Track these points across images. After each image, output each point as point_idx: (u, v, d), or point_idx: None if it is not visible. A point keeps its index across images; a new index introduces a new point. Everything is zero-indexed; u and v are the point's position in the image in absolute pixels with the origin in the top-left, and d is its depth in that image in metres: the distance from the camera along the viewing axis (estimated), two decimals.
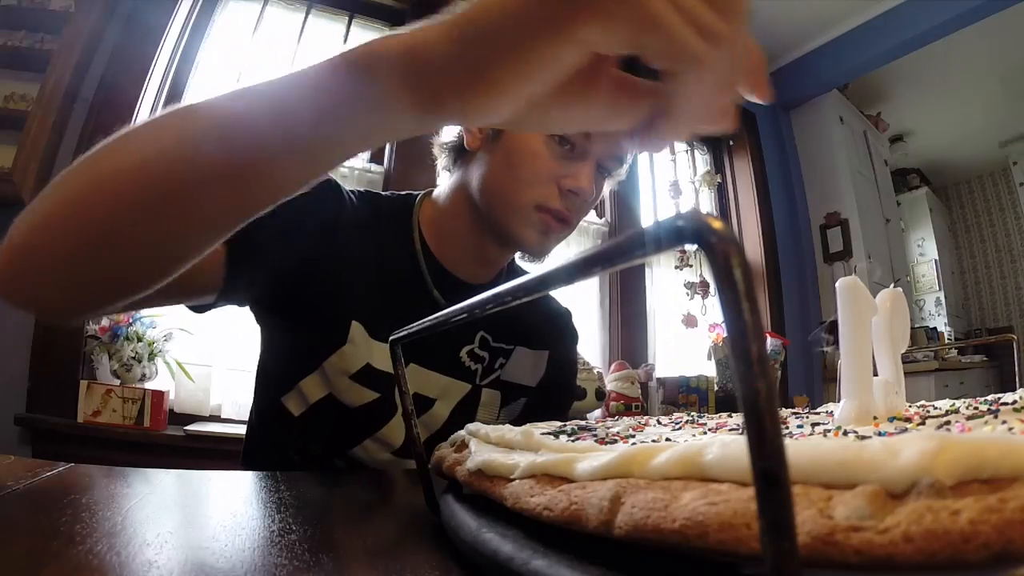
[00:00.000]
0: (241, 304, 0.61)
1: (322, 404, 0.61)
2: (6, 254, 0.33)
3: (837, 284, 0.33)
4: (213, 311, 0.59)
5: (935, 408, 0.36)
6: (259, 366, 0.68)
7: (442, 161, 0.70)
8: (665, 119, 0.28)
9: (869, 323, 0.33)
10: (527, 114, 0.29)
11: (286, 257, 0.57)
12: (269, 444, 0.66)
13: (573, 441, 0.28)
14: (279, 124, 0.29)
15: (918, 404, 0.40)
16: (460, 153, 0.66)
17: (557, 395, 0.77)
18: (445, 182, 0.69)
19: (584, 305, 2.27)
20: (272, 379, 0.64)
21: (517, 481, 0.24)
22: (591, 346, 2.22)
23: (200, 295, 0.54)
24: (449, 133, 0.67)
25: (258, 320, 0.65)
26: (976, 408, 0.32)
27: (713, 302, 2.33)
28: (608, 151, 0.62)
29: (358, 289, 0.61)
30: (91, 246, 0.31)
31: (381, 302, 0.62)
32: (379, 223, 0.65)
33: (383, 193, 0.70)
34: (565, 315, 0.81)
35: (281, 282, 0.58)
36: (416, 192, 0.71)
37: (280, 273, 0.57)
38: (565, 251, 0.45)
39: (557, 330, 0.78)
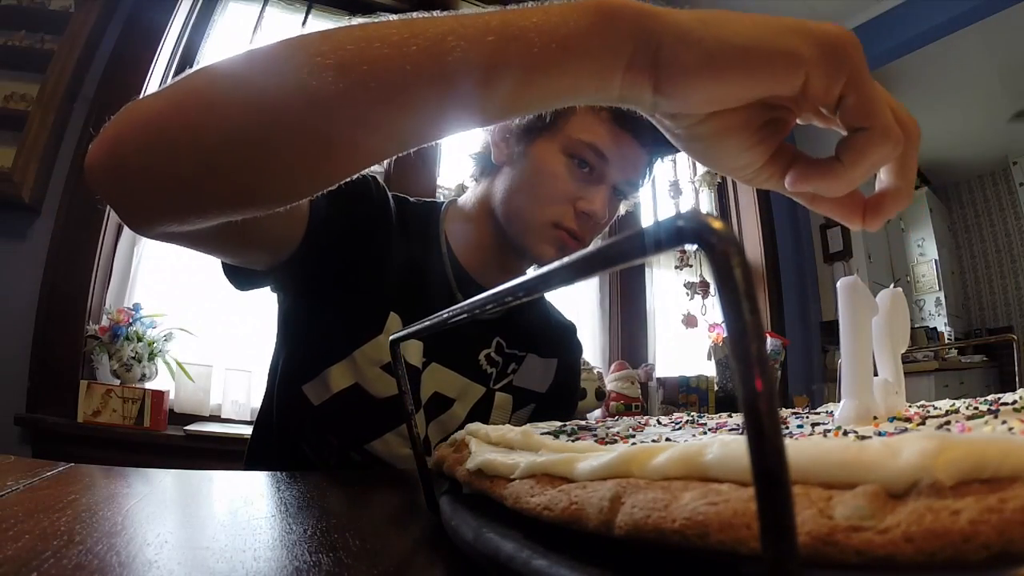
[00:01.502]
0: (290, 280, 0.61)
1: (346, 393, 0.61)
2: (109, 144, 0.33)
3: (838, 284, 0.33)
4: (255, 290, 0.61)
5: (935, 408, 0.36)
6: (277, 355, 0.68)
7: (470, 171, 0.73)
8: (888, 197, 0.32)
9: (869, 323, 0.33)
10: (704, 130, 0.32)
11: (349, 238, 0.60)
12: (281, 436, 0.66)
13: (573, 441, 0.28)
14: (483, 54, 0.29)
15: (918, 404, 0.40)
16: (487, 165, 0.70)
17: (564, 402, 0.81)
18: (471, 192, 0.73)
19: (584, 305, 2.27)
20: (294, 367, 0.64)
21: (517, 481, 0.24)
22: (591, 346, 2.22)
23: (272, 251, 0.55)
24: (478, 144, 0.71)
25: (289, 305, 0.66)
26: (976, 408, 0.32)
27: (713, 302, 2.33)
28: (624, 176, 0.66)
29: (395, 284, 0.64)
30: (200, 163, 0.31)
31: (413, 300, 0.64)
32: (409, 226, 0.68)
33: (410, 198, 0.73)
34: (571, 328, 0.85)
35: (337, 261, 0.60)
36: (440, 200, 0.75)
37: (341, 251, 0.60)
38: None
39: (565, 340, 0.83)
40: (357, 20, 0.32)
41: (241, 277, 0.58)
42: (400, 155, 0.35)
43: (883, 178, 0.33)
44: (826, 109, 0.29)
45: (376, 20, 0.31)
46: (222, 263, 0.56)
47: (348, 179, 0.35)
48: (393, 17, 0.31)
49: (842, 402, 0.32)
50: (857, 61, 0.28)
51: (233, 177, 0.33)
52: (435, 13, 0.31)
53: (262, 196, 0.35)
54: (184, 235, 0.41)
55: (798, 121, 0.33)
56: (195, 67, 0.33)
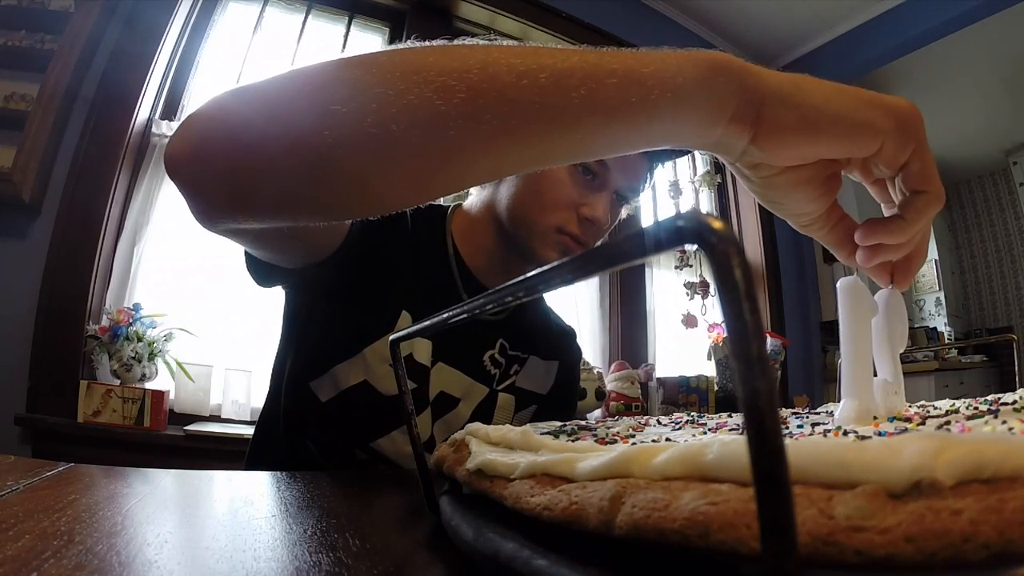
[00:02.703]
0: (313, 280, 0.61)
1: (354, 391, 0.62)
2: (195, 141, 0.33)
3: (838, 284, 0.33)
4: (271, 288, 0.63)
5: (935, 408, 0.36)
6: (283, 353, 0.68)
7: None
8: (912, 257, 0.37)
9: (869, 323, 0.33)
10: (780, 180, 0.36)
11: (377, 242, 0.62)
12: (286, 435, 0.66)
13: (573, 441, 0.28)
14: (610, 90, 0.30)
15: (918, 404, 0.40)
16: None
17: (565, 403, 0.82)
18: (476, 196, 0.74)
19: (584, 305, 2.27)
20: (302, 364, 0.65)
21: (517, 481, 0.24)
22: (591, 346, 2.22)
23: (313, 252, 0.56)
24: None
25: (300, 303, 0.67)
26: (976, 408, 0.32)
27: (713, 302, 2.33)
28: (625, 182, 0.67)
29: (406, 285, 0.65)
30: (299, 178, 0.32)
31: (423, 300, 0.66)
32: (417, 228, 0.70)
33: None
34: (571, 333, 0.87)
35: (360, 263, 0.61)
36: (444, 204, 0.76)
37: (366, 254, 0.61)
38: None
39: (565, 344, 0.84)
40: (463, 40, 0.32)
41: (263, 272, 0.58)
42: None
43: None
44: (889, 171, 0.34)
45: (497, 44, 0.32)
46: (246, 260, 0.57)
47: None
48: (510, 42, 0.32)
49: (842, 402, 0.32)
50: (922, 134, 0.33)
51: (332, 191, 0.33)
52: (549, 46, 0.32)
53: (351, 208, 0.36)
54: (246, 232, 0.43)
55: (843, 173, 0.38)
56: (288, 67, 0.33)
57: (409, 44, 0.32)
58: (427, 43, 0.32)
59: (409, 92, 0.29)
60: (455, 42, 0.32)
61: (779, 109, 0.32)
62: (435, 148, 0.30)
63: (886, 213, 0.38)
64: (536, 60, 0.30)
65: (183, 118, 0.33)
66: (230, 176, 0.33)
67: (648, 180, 0.71)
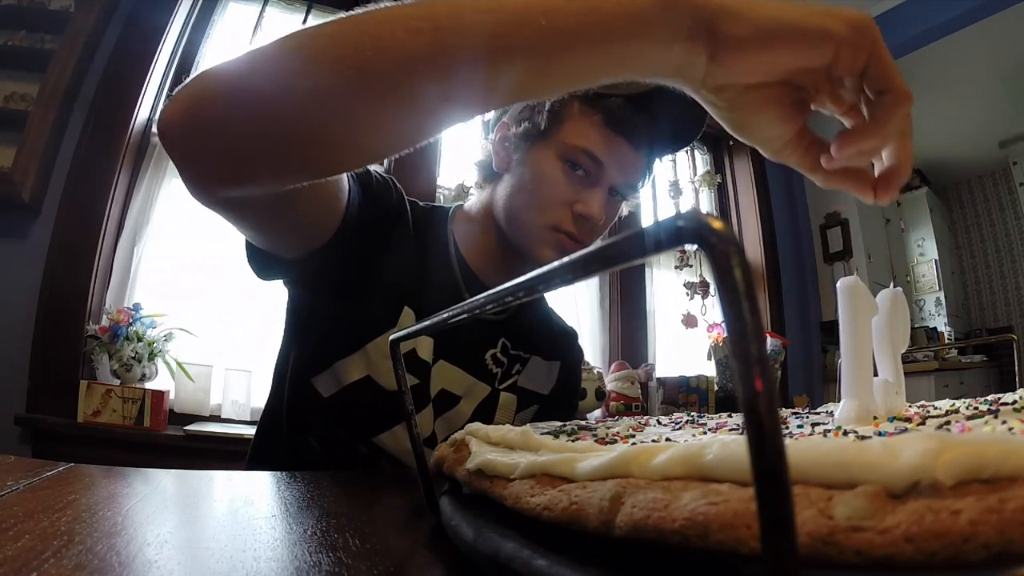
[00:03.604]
0: (311, 272, 0.62)
1: (356, 386, 0.62)
2: (188, 105, 0.36)
3: (838, 284, 0.33)
4: (271, 282, 0.63)
5: (935, 408, 0.36)
6: (285, 350, 0.69)
7: (474, 178, 0.76)
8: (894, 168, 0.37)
9: (869, 323, 0.33)
10: (744, 100, 0.37)
11: (373, 234, 0.63)
12: (288, 431, 0.66)
13: (573, 441, 0.28)
14: (564, 16, 0.32)
15: (918, 404, 0.40)
16: (489, 172, 0.72)
17: (566, 404, 0.83)
18: (476, 197, 0.75)
19: (584, 305, 2.27)
20: (304, 360, 0.65)
21: (517, 481, 0.24)
22: (591, 346, 2.22)
23: (308, 236, 0.57)
24: (481, 152, 0.75)
25: (302, 299, 0.67)
26: (976, 408, 0.32)
27: (713, 302, 2.33)
28: (621, 178, 0.67)
29: (408, 282, 0.66)
30: (275, 126, 0.35)
31: (425, 298, 0.66)
32: (420, 228, 0.70)
33: (419, 202, 0.75)
34: (572, 334, 0.87)
35: (359, 255, 0.62)
36: (445, 205, 0.78)
37: (364, 246, 0.62)
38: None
39: (567, 345, 0.85)
40: None
41: (262, 263, 0.58)
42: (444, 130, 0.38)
43: (886, 155, 0.38)
44: (850, 79, 0.35)
45: None
46: (246, 247, 0.57)
47: (398, 154, 0.38)
48: None
49: (842, 402, 0.32)
50: (877, 37, 0.34)
51: (304, 142, 0.36)
52: None
53: (324, 162, 0.39)
54: (237, 203, 0.44)
55: (814, 107, 0.39)
56: (258, 43, 0.36)
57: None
58: None
59: (381, 36, 0.32)
60: None
61: (731, 22, 0.33)
62: (401, 91, 0.33)
63: None
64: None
65: (174, 92, 0.37)
66: (221, 131, 0.36)
67: (646, 176, 0.70)
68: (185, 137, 0.37)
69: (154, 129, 1.76)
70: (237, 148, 0.37)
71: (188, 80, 0.37)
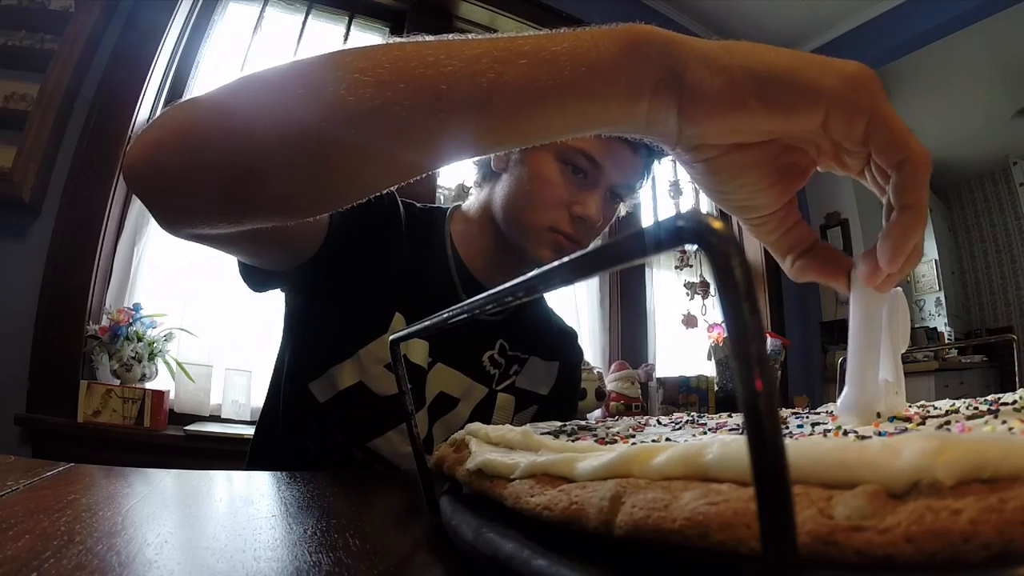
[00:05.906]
0: (304, 282, 0.63)
1: (350, 392, 0.62)
2: (148, 148, 0.35)
3: (851, 274, 0.33)
4: (263, 294, 0.64)
5: (935, 408, 0.36)
6: (283, 353, 0.69)
7: (473, 177, 0.76)
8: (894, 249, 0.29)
9: (880, 313, 0.33)
10: (723, 163, 0.31)
11: (363, 242, 0.63)
12: (286, 433, 0.66)
13: (573, 441, 0.28)
14: (522, 72, 0.29)
15: (918, 404, 0.40)
16: (488, 172, 0.72)
17: (565, 404, 0.83)
18: (474, 197, 0.75)
19: (584, 305, 2.27)
20: (300, 365, 0.65)
21: (517, 481, 0.24)
22: (591, 346, 2.22)
23: (293, 254, 0.58)
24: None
25: (297, 305, 0.67)
26: (976, 408, 0.32)
27: (713, 302, 2.32)
28: (619, 179, 0.67)
29: (401, 286, 0.66)
30: (238, 172, 0.33)
31: (419, 302, 0.66)
32: (416, 230, 0.70)
33: (416, 204, 0.75)
34: (572, 334, 0.87)
35: (349, 263, 0.62)
36: (444, 206, 0.77)
37: (354, 254, 0.62)
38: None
39: (567, 345, 0.84)
40: (393, 39, 0.32)
41: (256, 278, 0.59)
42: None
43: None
44: (852, 146, 0.29)
45: (411, 40, 0.32)
46: (239, 264, 0.57)
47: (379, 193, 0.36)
48: (429, 38, 0.32)
49: (844, 390, 0.32)
50: (878, 94, 0.27)
51: (270, 187, 0.33)
52: (469, 36, 0.32)
53: (296, 207, 0.36)
54: (212, 237, 0.43)
55: (821, 168, 0.33)
56: (227, 78, 0.35)
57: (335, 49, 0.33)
58: (344, 47, 0.33)
59: (325, 91, 0.30)
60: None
61: (703, 72, 0.28)
62: (356, 142, 0.31)
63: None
64: (447, 50, 0.30)
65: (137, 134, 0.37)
66: (181, 177, 0.35)
67: (644, 177, 0.70)
68: (146, 179, 0.37)
69: None
70: (195, 193, 0.36)
71: (152, 120, 0.36)
